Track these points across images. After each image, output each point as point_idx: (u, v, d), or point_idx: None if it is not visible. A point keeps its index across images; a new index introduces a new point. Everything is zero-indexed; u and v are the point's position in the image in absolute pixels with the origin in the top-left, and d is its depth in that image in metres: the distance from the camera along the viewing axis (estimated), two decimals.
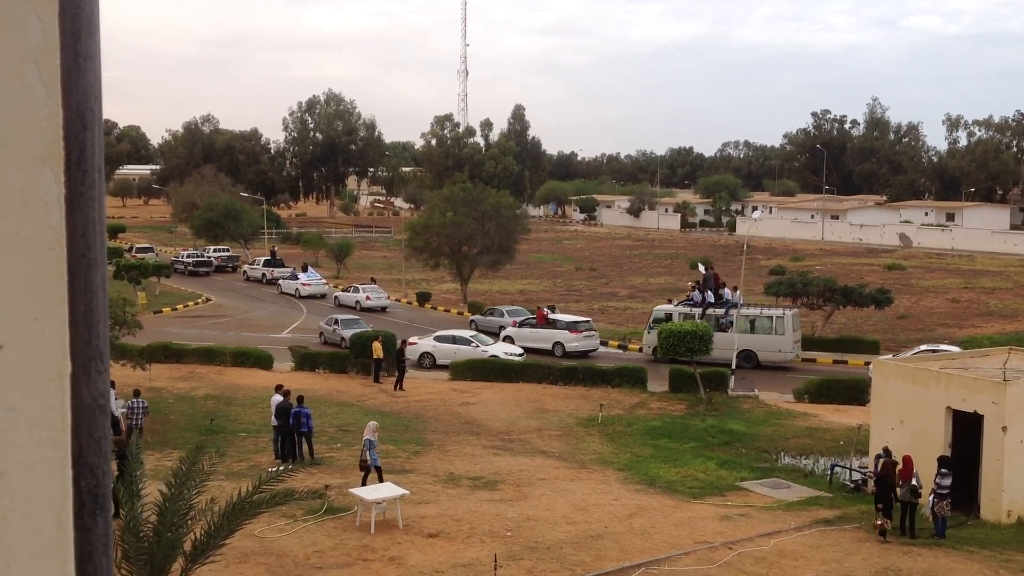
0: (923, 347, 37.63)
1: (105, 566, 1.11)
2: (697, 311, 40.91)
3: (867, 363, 38.30)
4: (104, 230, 1.12)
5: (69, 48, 1.06)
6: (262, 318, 53.62)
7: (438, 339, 40.83)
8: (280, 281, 63.62)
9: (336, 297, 57.45)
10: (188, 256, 74.53)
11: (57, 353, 1.05)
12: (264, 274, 67.90)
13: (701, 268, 44.91)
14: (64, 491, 1.05)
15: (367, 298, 54.83)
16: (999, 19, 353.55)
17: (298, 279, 61.67)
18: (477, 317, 48.78)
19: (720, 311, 41.12)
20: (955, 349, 33.56)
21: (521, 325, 44.33)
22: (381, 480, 22.54)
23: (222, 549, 13.28)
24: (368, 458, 22.78)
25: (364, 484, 22.21)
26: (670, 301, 44.34)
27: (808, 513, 21.80)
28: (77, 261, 1.07)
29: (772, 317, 40.35)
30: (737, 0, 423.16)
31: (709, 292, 42.00)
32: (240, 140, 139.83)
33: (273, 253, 71.81)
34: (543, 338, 42.78)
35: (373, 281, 59.42)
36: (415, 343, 40.43)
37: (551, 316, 44.12)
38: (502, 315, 47.29)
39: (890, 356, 36.03)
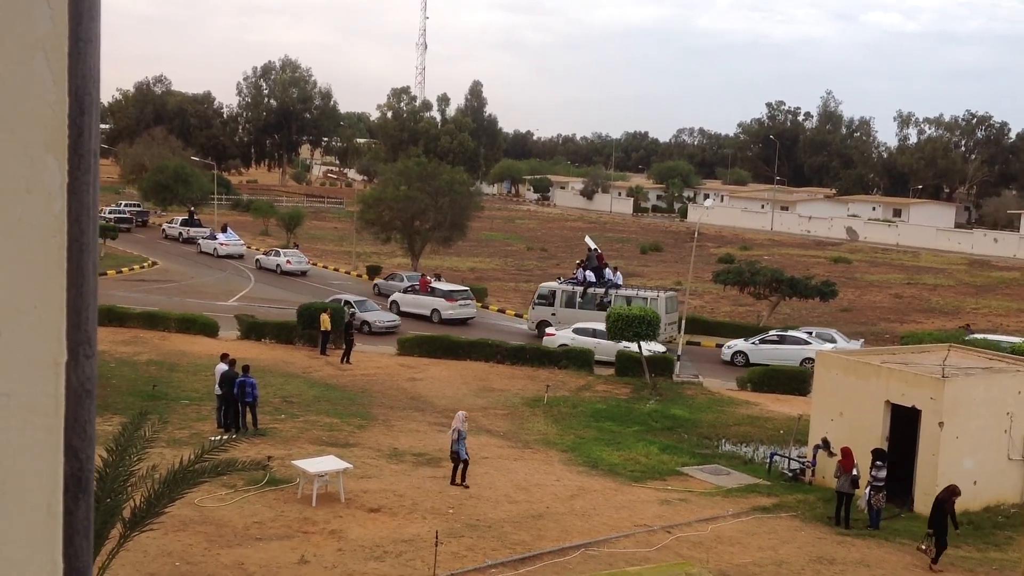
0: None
1: (85, 549, 1.12)
2: (579, 289, 42.83)
3: (719, 345, 41.26)
4: (97, 215, 1.12)
5: (71, 32, 1.06)
6: (209, 285, 53.11)
7: (577, 331, 39.10)
8: (199, 240, 66.98)
9: (257, 260, 60.21)
10: (110, 212, 75.17)
11: (54, 340, 1.06)
12: (181, 232, 71.61)
13: (589, 242, 45.88)
14: (55, 476, 1.06)
15: (288, 262, 57.90)
16: (957, 19, 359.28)
17: (216, 239, 65.00)
18: (380, 281, 52.30)
19: (601, 290, 42.61)
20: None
21: (406, 292, 46.80)
22: (464, 477, 21.64)
23: (161, 517, 13.18)
24: (457, 450, 21.69)
25: (459, 479, 21.51)
26: (559, 279, 45.92)
27: (746, 500, 22.11)
28: (71, 246, 1.08)
29: (647, 298, 41.25)
30: None
31: (591, 272, 43.48)
32: (192, 103, 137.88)
33: (191, 213, 74.49)
34: (423, 304, 45.08)
35: (296, 246, 63.02)
36: (553, 335, 39.10)
37: (433, 284, 46.67)
38: (402, 280, 49.90)
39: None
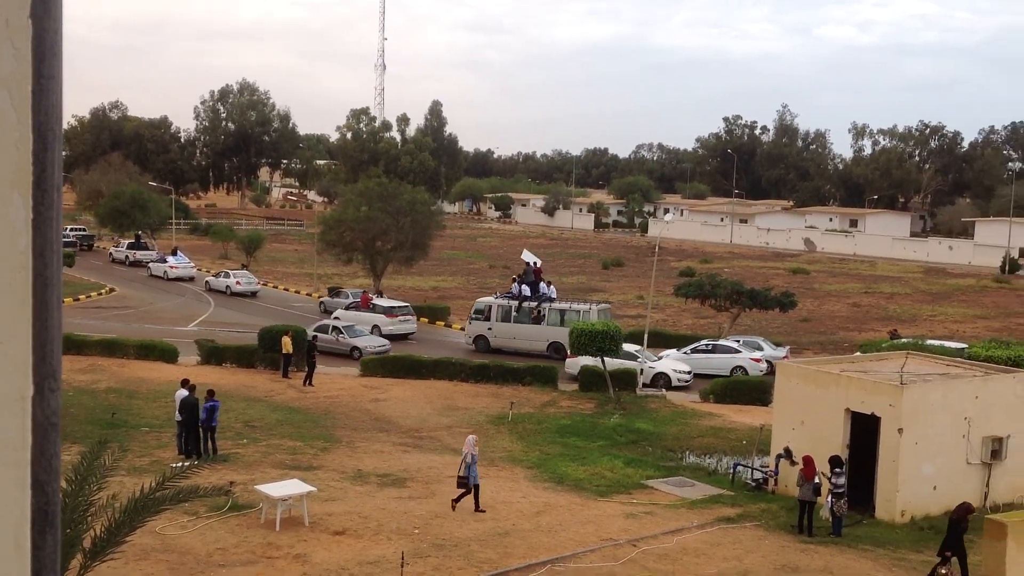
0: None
1: None
2: (515, 304, 43.42)
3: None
4: (60, 249, 1.13)
5: (35, 70, 1.07)
6: (168, 310, 52.67)
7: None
8: (150, 264, 67.82)
9: (207, 282, 60.75)
10: None
11: (21, 375, 1.06)
12: (128, 256, 72.72)
13: (527, 256, 46.22)
14: (23, 511, 1.06)
15: (237, 283, 58.43)
16: (911, 31, 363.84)
17: (167, 262, 65.85)
18: (325, 299, 53.24)
19: (535, 304, 43.21)
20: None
21: (348, 308, 47.65)
22: (477, 503, 21.29)
23: (123, 546, 13.04)
24: (467, 475, 21.36)
25: (458, 503, 21.22)
26: (495, 295, 46.47)
27: (711, 511, 22.22)
28: (36, 281, 1.08)
29: (580, 311, 41.93)
30: (658, 3, 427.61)
31: (527, 286, 44.07)
32: (149, 128, 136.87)
33: (138, 237, 75.29)
34: (364, 321, 45.19)
35: (244, 267, 64.17)
36: (576, 356, 37.64)
37: (374, 301, 47.53)
38: (347, 296, 51.09)
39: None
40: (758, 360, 39.06)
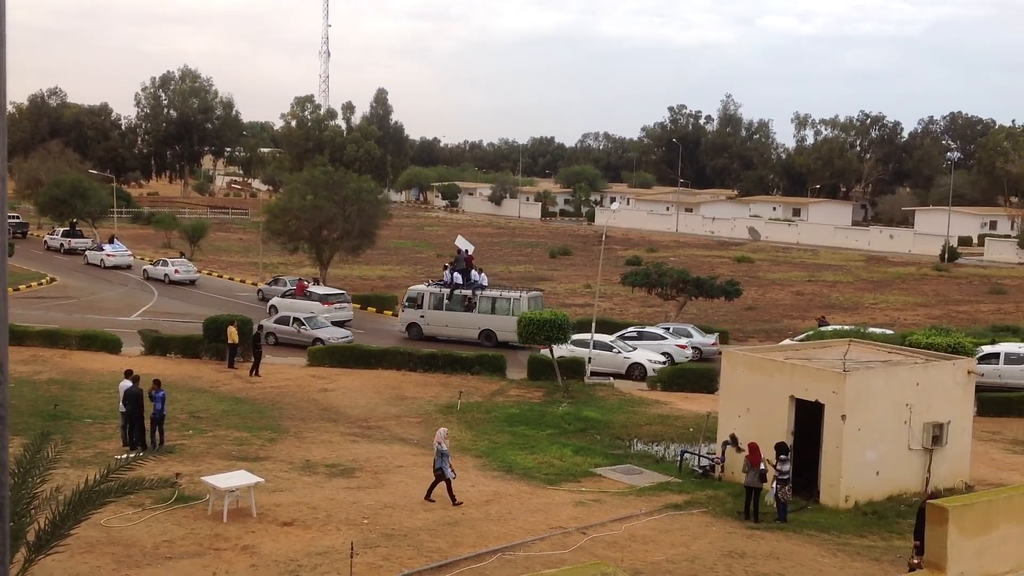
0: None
1: (2, 574, 1.12)
2: (447, 291, 43.67)
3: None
4: (6, 240, 1.12)
5: None
6: (111, 300, 51.90)
7: (576, 344, 38.00)
8: (86, 252, 68.06)
9: (145, 270, 60.95)
10: None
11: None
12: (62, 244, 73.40)
13: (460, 243, 46.25)
14: None
15: (176, 271, 58.60)
16: (850, 21, 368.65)
17: (104, 250, 66.18)
18: (263, 286, 53.95)
19: (468, 292, 43.50)
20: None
21: (284, 296, 48.02)
22: (451, 494, 21.12)
23: (67, 539, 12.85)
24: (441, 467, 21.15)
25: (450, 495, 21.04)
26: (427, 282, 46.79)
27: (658, 498, 22.41)
28: None
29: (510, 299, 42.44)
30: None
31: (459, 273, 44.30)
32: (89, 115, 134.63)
33: (72, 224, 75.63)
34: (300, 308, 44.98)
35: (182, 255, 64.56)
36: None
37: (309, 288, 47.99)
38: (284, 284, 51.70)
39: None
40: (684, 347, 39.59)
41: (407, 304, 44.35)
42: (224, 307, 46.58)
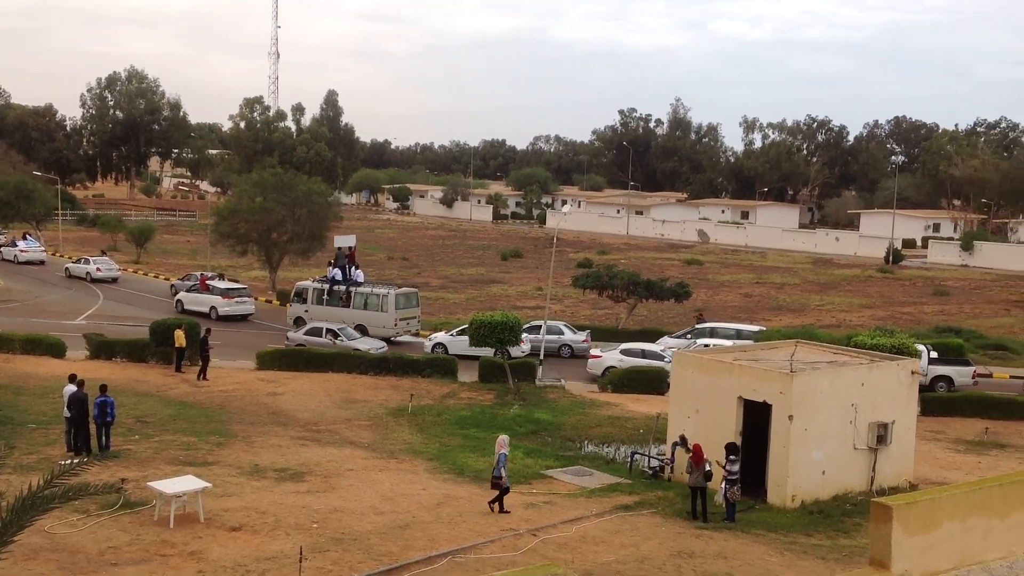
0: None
1: None
2: (327, 287, 45.67)
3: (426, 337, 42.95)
4: None
5: None
6: (55, 303, 51.09)
7: (625, 352, 38.17)
8: (1, 248, 69.90)
9: (67, 268, 61.97)
10: None
11: None
12: None
13: (340, 240, 48.08)
14: None
15: (98, 269, 59.89)
16: (799, 27, 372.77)
17: (17, 246, 68.56)
18: (176, 282, 55.33)
19: (344, 288, 45.34)
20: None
21: (190, 291, 50.16)
22: (502, 504, 20.83)
23: (10, 546, 12.60)
24: (502, 475, 20.97)
25: (497, 506, 20.77)
26: (313, 279, 48.63)
27: (609, 499, 22.51)
28: None
29: (380, 295, 44.16)
30: None
31: (338, 270, 46.12)
32: (34, 116, 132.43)
33: None
34: (203, 302, 48.21)
35: (103, 253, 65.76)
36: (598, 356, 38.15)
37: (210, 282, 50.52)
38: (196, 280, 52.86)
39: None
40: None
41: (294, 299, 46.32)
42: (144, 304, 48.67)
